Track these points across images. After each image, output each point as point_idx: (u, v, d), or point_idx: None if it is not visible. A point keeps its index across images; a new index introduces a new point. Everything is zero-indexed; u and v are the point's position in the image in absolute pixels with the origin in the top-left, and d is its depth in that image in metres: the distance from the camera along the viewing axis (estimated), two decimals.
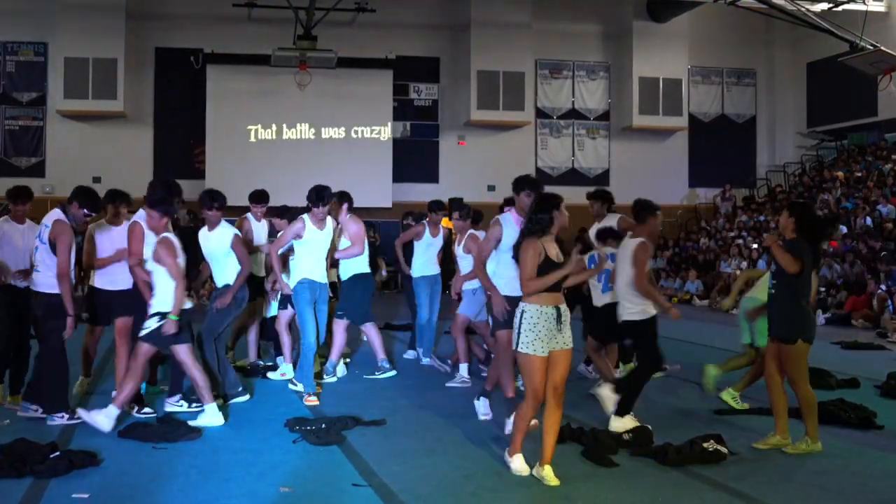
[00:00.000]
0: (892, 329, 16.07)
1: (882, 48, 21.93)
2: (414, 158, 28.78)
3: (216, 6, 27.18)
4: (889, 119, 26.78)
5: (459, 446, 7.16)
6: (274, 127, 27.86)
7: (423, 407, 8.79)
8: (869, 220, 22.15)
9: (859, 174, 25.83)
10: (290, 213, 10.28)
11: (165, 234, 7.82)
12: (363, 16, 27.08)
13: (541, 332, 6.10)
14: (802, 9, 22.57)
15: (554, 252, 6.27)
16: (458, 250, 10.50)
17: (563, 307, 6.26)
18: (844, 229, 22.38)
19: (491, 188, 28.98)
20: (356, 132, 28.22)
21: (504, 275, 7.52)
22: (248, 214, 10.85)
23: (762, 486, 6.17)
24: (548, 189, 26.35)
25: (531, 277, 6.10)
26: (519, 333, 6.14)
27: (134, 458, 6.73)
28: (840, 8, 24.48)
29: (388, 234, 28.28)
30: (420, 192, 28.36)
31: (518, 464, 6.35)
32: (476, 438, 7.41)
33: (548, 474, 6.19)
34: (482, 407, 8.15)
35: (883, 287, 17.80)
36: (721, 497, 5.98)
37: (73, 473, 6.23)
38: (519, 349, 6.15)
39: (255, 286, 9.93)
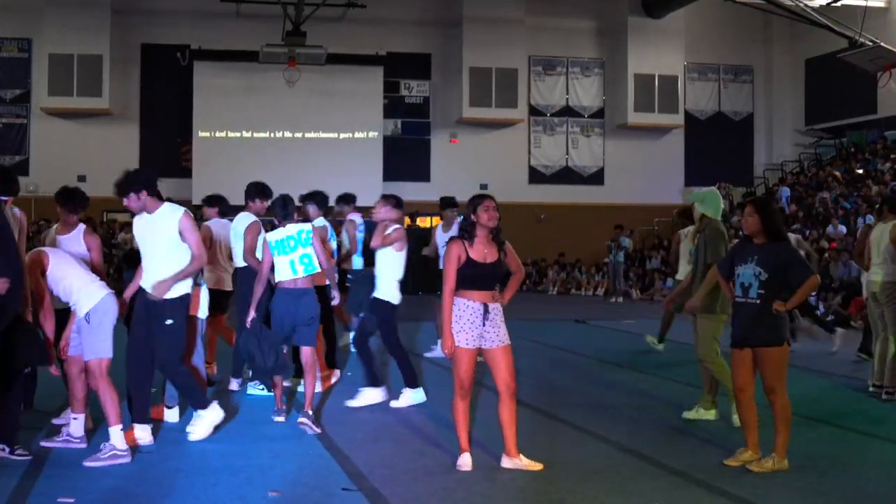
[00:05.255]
0: None
1: (882, 44, 21.70)
2: (405, 156, 28.60)
3: (203, 2, 27.05)
4: (888, 116, 26.67)
5: (450, 450, 6.90)
6: (262, 125, 27.59)
7: (414, 410, 8.60)
8: (870, 219, 21.80)
9: (860, 171, 25.58)
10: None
11: None
12: (353, 11, 26.96)
13: (464, 325, 6.26)
14: (801, 4, 22.28)
15: (480, 253, 6.32)
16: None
17: (493, 305, 6.36)
18: (844, 229, 22.07)
19: (483, 187, 28.68)
20: (346, 130, 27.96)
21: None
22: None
23: (760, 490, 5.98)
24: (542, 188, 26.05)
25: (449, 279, 6.30)
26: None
27: (119, 463, 6.49)
28: (839, 3, 24.21)
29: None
30: (411, 191, 28.11)
31: (463, 459, 6.40)
32: None
33: (527, 462, 6.39)
34: None
35: None
36: (718, 501, 5.83)
37: (58, 476, 6.07)
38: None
39: None
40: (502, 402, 6.37)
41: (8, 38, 27.02)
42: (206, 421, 7.08)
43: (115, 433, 6.49)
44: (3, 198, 6.68)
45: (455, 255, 6.27)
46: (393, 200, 8.73)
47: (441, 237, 11.85)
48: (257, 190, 9.19)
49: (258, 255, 8.75)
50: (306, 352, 7.91)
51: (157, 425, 7.58)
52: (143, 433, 6.91)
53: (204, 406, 7.11)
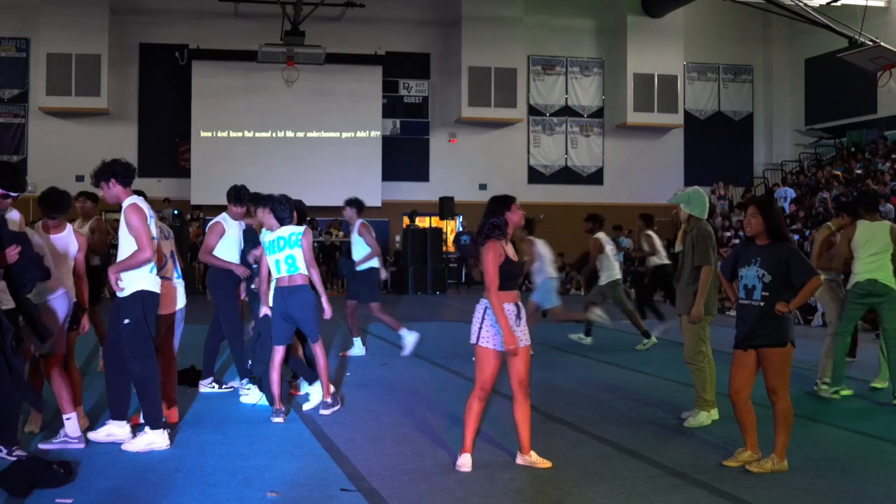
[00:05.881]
0: None
1: (882, 44, 21.62)
2: (404, 156, 28.49)
3: (202, 1, 26.96)
4: (889, 116, 26.56)
5: (450, 450, 6.93)
6: (261, 124, 27.47)
7: (413, 410, 8.60)
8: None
9: (859, 171, 25.51)
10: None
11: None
12: (352, 11, 26.84)
13: (499, 327, 6.29)
14: (800, 4, 22.19)
15: (511, 251, 6.43)
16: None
17: (521, 304, 6.48)
18: None
19: (482, 187, 28.72)
20: (344, 129, 27.86)
21: None
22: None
23: (760, 491, 5.98)
24: (541, 188, 26.03)
25: (494, 280, 6.28)
26: (480, 328, 6.33)
27: (117, 463, 6.51)
28: (839, 3, 24.12)
29: (377, 234, 27.97)
30: (410, 191, 28.11)
31: (463, 459, 6.42)
32: None
33: (536, 458, 6.48)
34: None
35: None
36: (718, 502, 5.81)
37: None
38: (479, 343, 6.33)
39: None
40: (517, 401, 6.45)
41: (6, 38, 26.88)
42: (146, 439, 6.85)
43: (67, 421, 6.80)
44: (13, 194, 6.69)
45: (496, 254, 6.28)
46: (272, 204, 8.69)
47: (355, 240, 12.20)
48: (234, 194, 9.24)
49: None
50: (313, 347, 8.25)
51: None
52: (118, 430, 7.00)
53: (154, 424, 6.88)
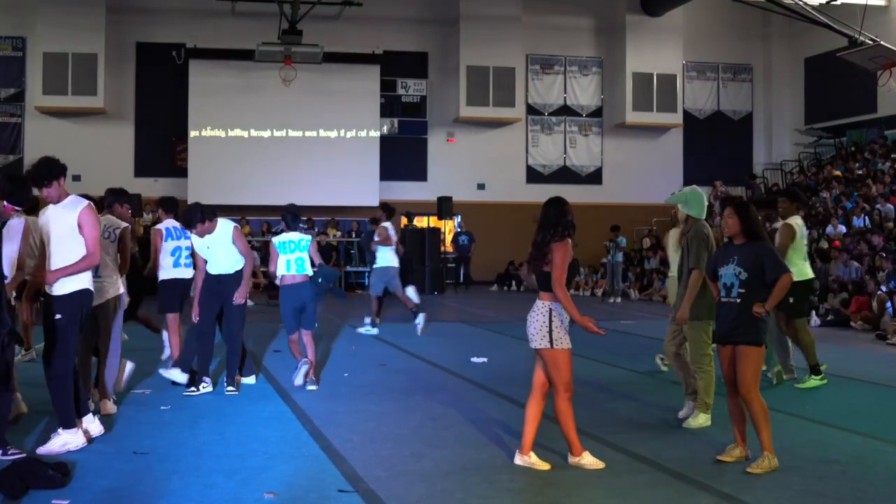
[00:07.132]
0: (891, 331, 15.59)
1: (882, 43, 21.56)
2: (402, 156, 28.45)
3: (199, 0, 26.74)
4: (889, 116, 26.52)
5: (448, 451, 6.96)
6: (258, 123, 27.40)
7: (412, 410, 8.59)
8: (868, 220, 21.77)
9: (860, 172, 25.47)
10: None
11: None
12: (349, 10, 26.79)
13: (568, 328, 6.43)
14: (800, 2, 22.13)
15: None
16: None
17: None
18: (844, 228, 21.97)
19: (481, 186, 28.71)
20: (342, 129, 27.79)
21: None
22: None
23: (759, 493, 5.98)
24: (539, 188, 25.90)
25: (564, 276, 6.37)
26: (551, 331, 6.33)
27: (113, 464, 6.50)
28: (839, 1, 24.07)
29: (373, 235, 27.94)
30: (408, 191, 28.05)
31: (590, 459, 6.51)
32: (466, 443, 7.23)
33: (535, 460, 6.49)
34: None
35: (883, 288, 17.34)
36: (717, 503, 5.81)
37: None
38: (555, 346, 6.33)
39: None
40: (534, 398, 6.57)
41: (2, 37, 26.81)
42: (60, 440, 6.72)
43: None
44: (17, 208, 6.89)
45: (569, 251, 6.41)
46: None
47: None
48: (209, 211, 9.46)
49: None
50: (307, 334, 9.81)
51: (154, 426, 7.64)
52: (71, 437, 6.78)
53: (67, 425, 6.75)
